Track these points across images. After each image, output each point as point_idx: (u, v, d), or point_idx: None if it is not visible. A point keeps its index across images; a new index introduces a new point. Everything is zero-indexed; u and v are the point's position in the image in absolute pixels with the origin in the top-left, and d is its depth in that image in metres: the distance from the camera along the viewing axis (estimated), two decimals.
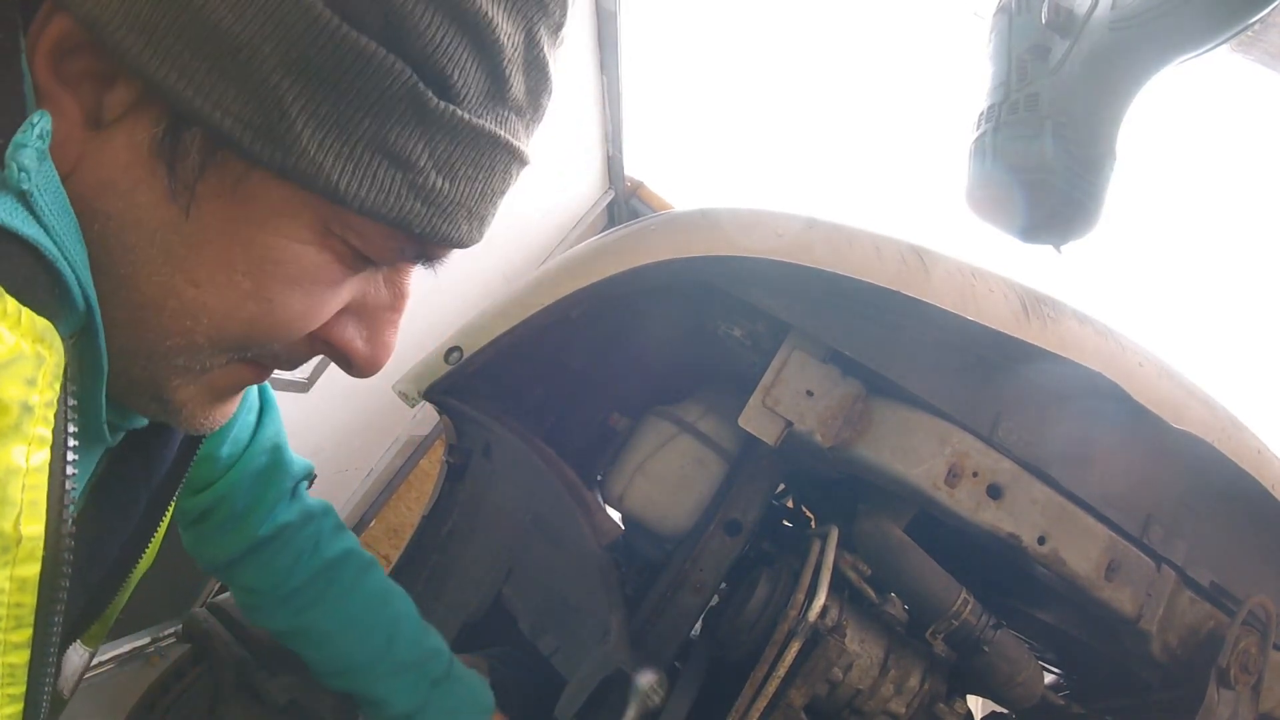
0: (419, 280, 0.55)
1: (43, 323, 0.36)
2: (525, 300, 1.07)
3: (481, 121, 0.45)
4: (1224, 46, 0.96)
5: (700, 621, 1.15)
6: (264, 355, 0.49)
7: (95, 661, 2.08)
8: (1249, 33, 0.98)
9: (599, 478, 1.34)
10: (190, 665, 1.15)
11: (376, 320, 0.52)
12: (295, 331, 0.47)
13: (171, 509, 0.67)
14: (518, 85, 0.46)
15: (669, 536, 1.14)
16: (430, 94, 0.42)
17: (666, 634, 1.09)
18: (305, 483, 0.93)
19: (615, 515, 1.19)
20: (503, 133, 0.46)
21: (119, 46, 0.39)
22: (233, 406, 0.53)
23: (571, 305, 1.05)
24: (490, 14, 0.43)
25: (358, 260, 0.47)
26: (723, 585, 1.14)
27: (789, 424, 1.00)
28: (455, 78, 0.43)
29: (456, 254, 0.52)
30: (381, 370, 0.54)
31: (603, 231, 1.23)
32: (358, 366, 0.52)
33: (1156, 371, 1.01)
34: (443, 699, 0.89)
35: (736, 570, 1.13)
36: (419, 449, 4.50)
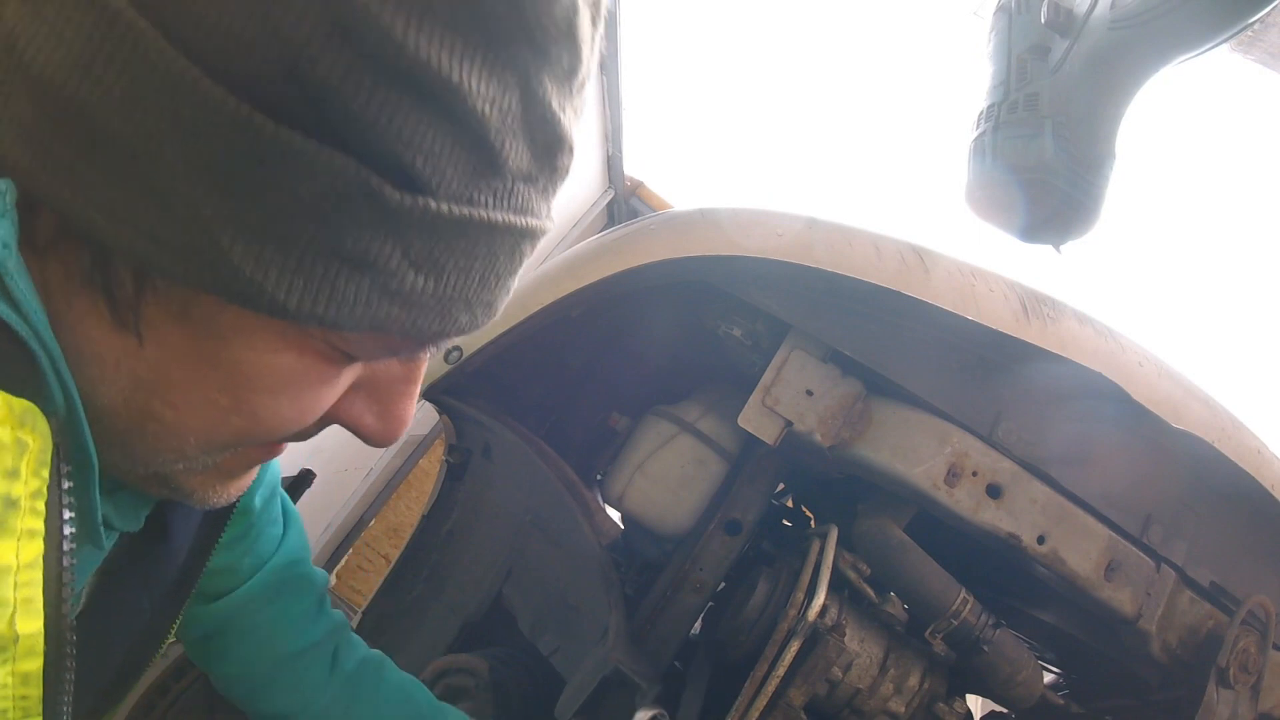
0: None
1: (22, 404, 0.32)
2: (525, 300, 1.07)
3: (468, 210, 0.38)
4: (1224, 46, 0.96)
5: (700, 621, 1.15)
6: (268, 442, 0.45)
7: None
8: (1249, 33, 0.98)
9: (599, 478, 1.34)
10: (190, 665, 1.15)
11: (389, 396, 0.47)
12: (289, 431, 0.43)
13: (184, 611, 0.64)
14: (517, 154, 0.39)
15: (669, 536, 1.14)
16: (389, 188, 0.35)
17: (666, 634, 1.09)
18: (326, 596, 0.89)
19: (615, 515, 1.19)
20: (502, 215, 0.40)
21: (15, 164, 0.34)
22: (247, 481, 0.50)
23: (571, 305, 1.05)
24: (460, 80, 0.35)
25: (347, 357, 0.42)
26: (722, 585, 1.14)
27: (789, 424, 1.00)
28: (419, 165, 0.35)
29: None
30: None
31: (602, 231, 1.23)
32: (368, 439, 0.48)
33: (1156, 371, 1.01)
34: None
35: (736, 570, 1.13)
36: (419, 449, 4.50)
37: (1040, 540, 0.94)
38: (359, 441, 0.48)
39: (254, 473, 0.50)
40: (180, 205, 0.33)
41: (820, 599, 0.91)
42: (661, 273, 1.01)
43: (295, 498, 0.89)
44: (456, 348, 1.11)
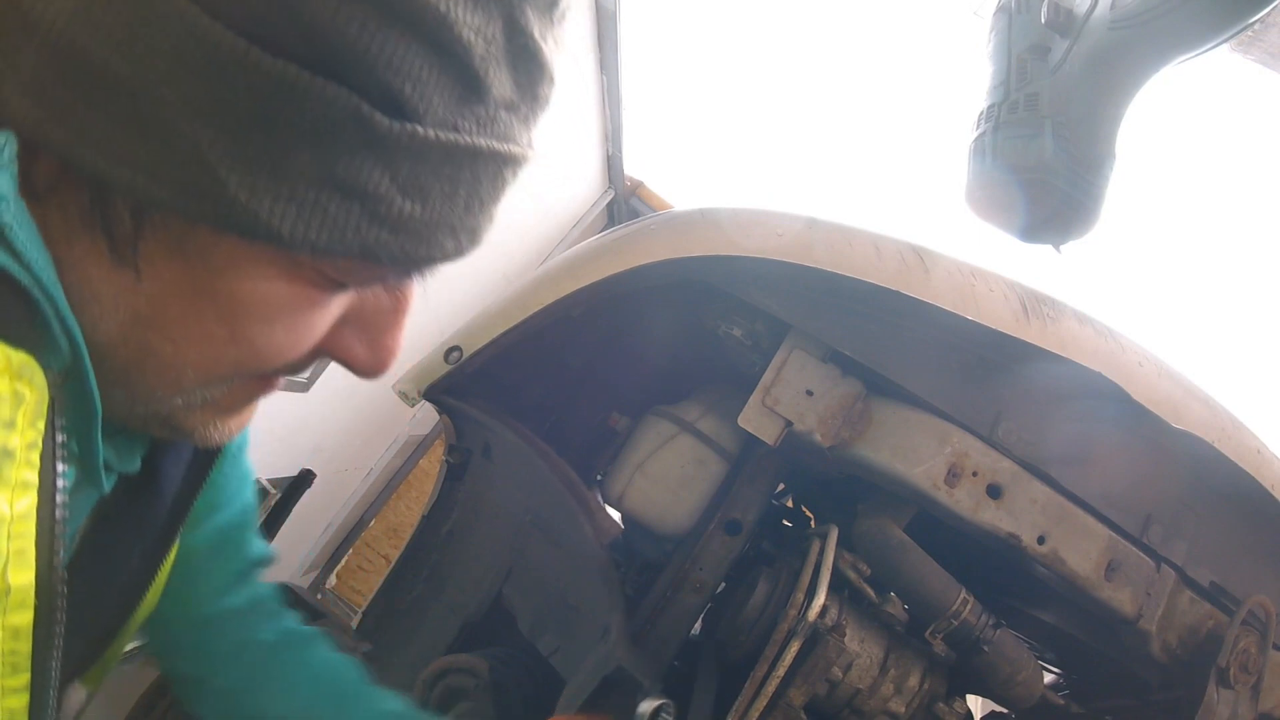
0: (419, 281, 0.53)
1: (20, 357, 0.33)
2: (525, 300, 1.07)
3: (453, 135, 0.40)
4: (1224, 46, 0.96)
5: (700, 621, 1.15)
6: (264, 374, 0.47)
7: None
8: (1249, 33, 0.98)
9: (599, 477, 1.34)
10: None
11: (378, 327, 0.48)
12: (285, 360, 0.45)
13: (174, 552, 0.64)
14: (501, 83, 0.41)
15: (669, 536, 1.14)
16: (379, 115, 0.37)
17: (666, 634, 1.09)
18: (261, 569, 0.86)
19: (615, 515, 1.19)
20: (485, 140, 0.41)
21: (15, 112, 0.35)
22: (247, 416, 0.51)
23: (572, 305, 1.05)
24: (447, 9, 0.37)
25: (337, 285, 0.43)
26: (722, 585, 1.14)
27: (789, 424, 1.00)
28: (408, 92, 0.37)
29: None
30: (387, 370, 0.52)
31: (602, 231, 1.23)
32: (359, 371, 0.49)
33: (1156, 371, 1.01)
34: None
35: (736, 570, 1.13)
36: (419, 449, 4.50)
37: (1040, 540, 0.94)
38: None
39: (253, 408, 0.51)
40: (179, 141, 0.35)
41: (820, 599, 0.91)
42: (662, 273, 1.01)
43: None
44: (456, 347, 1.11)
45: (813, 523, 1.37)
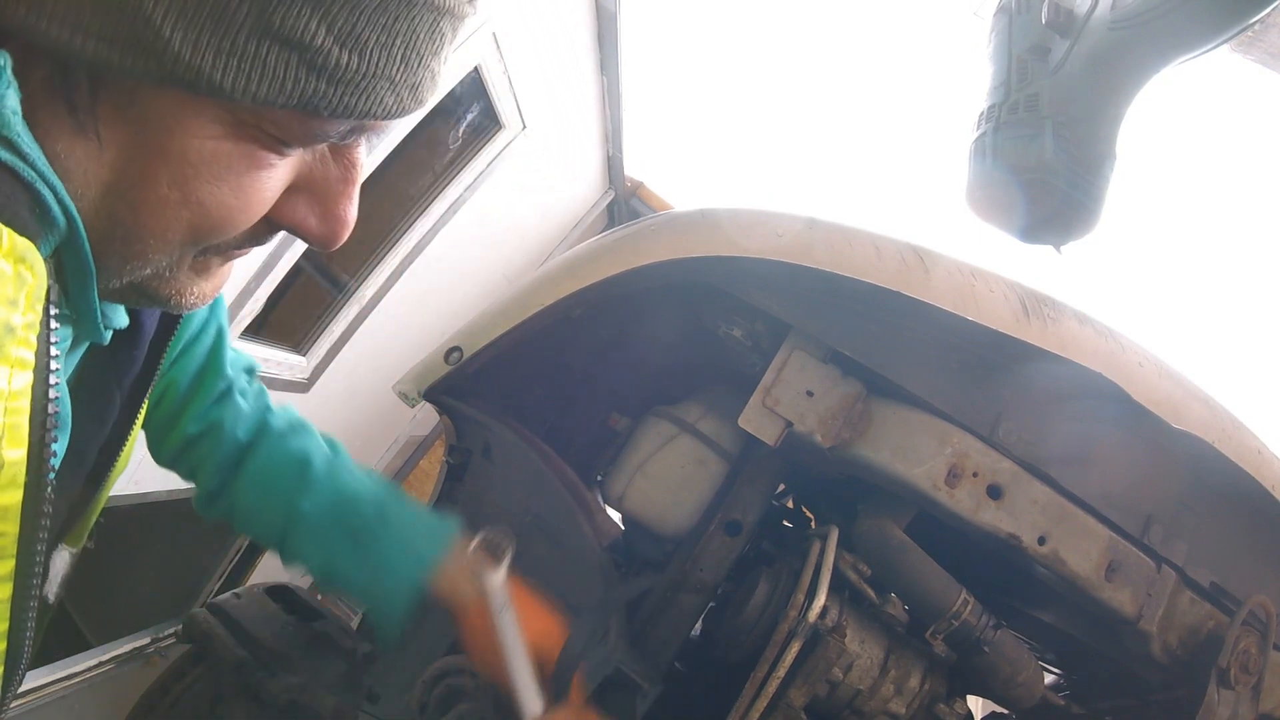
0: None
1: (24, 243, 0.36)
2: (526, 300, 1.07)
3: None
4: (1224, 46, 0.96)
5: (700, 621, 1.15)
6: (224, 245, 0.48)
7: (95, 661, 2.08)
8: (1249, 33, 0.98)
9: (599, 478, 1.34)
10: (190, 665, 1.15)
11: (328, 195, 0.50)
12: (238, 225, 0.46)
13: (145, 408, 0.67)
14: None
15: (669, 536, 1.14)
16: None
17: (667, 634, 1.09)
18: (247, 378, 0.91)
19: (615, 515, 1.19)
20: None
21: None
22: (220, 280, 0.53)
23: (572, 305, 1.05)
24: None
25: (282, 145, 0.45)
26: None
27: (789, 424, 1.00)
28: None
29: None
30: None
31: (603, 231, 1.23)
32: (315, 242, 0.51)
33: (1156, 371, 1.01)
34: (367, 551, 0.83)
35: (736, 570, 1.13)
36: (419, 449, 4.50)
37: (1041, 541, 0.94)
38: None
39: (226, 271, 0.53)
40: (128, 5, 0.37)
41: (821, 600, 0.91)
42: (662, 273, 1.01)
43: None
44: (456, 348, 1.11)
45: (813, 523, 1.37)
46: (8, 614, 0.39)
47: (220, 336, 0.84)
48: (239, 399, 0.88)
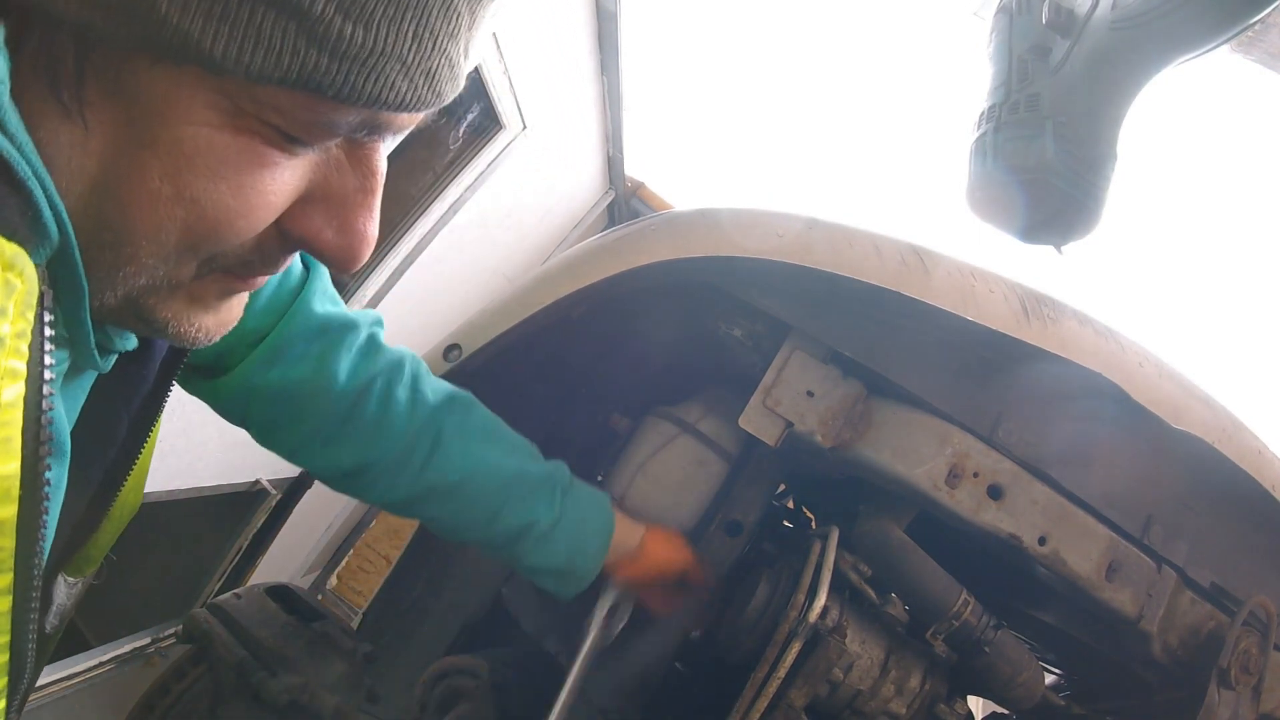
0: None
1: (12, 248, 0.33)
2: (526, 299, 1.07)
3: None
4: (1224, 47, 0.96)
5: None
6: (230, 261, 0.45)
7: (95, 661, 2.08)
8: (1249, 33, 0.98)
9: (599, 478, 1.34)
10: (190, 665, 1.15)
11: (346, 206, 0.45)
12: (238, 229, 0.42)
13: (155, 434, 0.63)
14: None
15: None
16: None
17: (666, 634, 1.08)
18: (379, 330, 0.88)
19: None
20: None
21: None
22: (228, 315, 0.49)
23: (572, 305, 1.05)
24: None
25: (287, 141, 0.41)
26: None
27: (789, 425, 1.00)
28: None
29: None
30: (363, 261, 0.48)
31: (603, 231, 1.23)
32: (332, 260, 0.47)
33: (1156, 372, 1.01)
34: (574, 506, 0.95)
35: (737, 571, 1.13)
36: None
37: (1041, 541, 0.94)
38: None
39: (234, 308, 0.50)
40: None
41: (821, 600, 0.91)
42: (662, 273, 1.01)
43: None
44: (456, 345, 1.11)
45: (813, 524, 1.37)
46: (8, 627, 0.37)
47: (331, 294, 0.84)
48: (390, 353, 0.91)
